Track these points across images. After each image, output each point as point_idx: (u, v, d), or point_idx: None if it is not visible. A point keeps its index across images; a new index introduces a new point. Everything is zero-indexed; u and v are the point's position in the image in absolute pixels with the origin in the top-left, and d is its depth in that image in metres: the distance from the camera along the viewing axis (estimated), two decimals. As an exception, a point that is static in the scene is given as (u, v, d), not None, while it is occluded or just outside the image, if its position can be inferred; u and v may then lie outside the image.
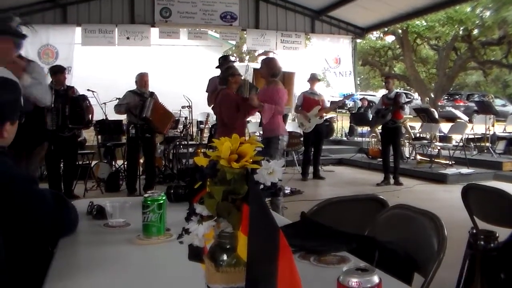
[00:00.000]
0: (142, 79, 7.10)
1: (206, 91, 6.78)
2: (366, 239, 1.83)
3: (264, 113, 5.14)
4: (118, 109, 7.01)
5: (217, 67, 6.56)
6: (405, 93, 13.19)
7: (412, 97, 20.60)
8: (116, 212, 1.91)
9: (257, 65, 15.76)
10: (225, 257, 1.00)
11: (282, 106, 5.27)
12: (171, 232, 1.74)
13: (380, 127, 8.90)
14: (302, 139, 9.27)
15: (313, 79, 8.75)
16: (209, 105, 7.01)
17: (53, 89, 6.38)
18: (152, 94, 7.02)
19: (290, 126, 11.27)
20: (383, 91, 8.78)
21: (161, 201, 1.72)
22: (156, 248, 1.66)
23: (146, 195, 1.73)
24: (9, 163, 1.59)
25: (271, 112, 5.13)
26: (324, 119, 9.40)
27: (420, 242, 1.86)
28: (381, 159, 9.00)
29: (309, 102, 8.59)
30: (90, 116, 6.75)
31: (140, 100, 6.81)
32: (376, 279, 0.91)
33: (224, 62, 6.52)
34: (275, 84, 5.29)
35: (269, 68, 5.39)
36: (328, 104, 9.00)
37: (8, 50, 3.39)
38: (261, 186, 0.98)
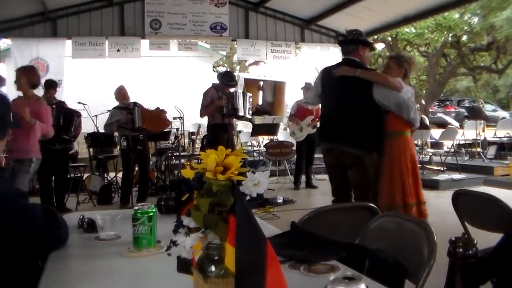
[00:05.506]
0: (121, 92, 7.14)
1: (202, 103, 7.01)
2: (356, 247, 1.84)
3: (36, 131, 4.79)
4: (109, 128, 7.04)
5: None
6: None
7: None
8: (107, 225, 1.91)
9: (248, 75, 15.80)
10: (213, 268, 1.01)
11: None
12: (161, 244, 1.74)
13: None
14: (294, 148, 9.27)
15: (307, 88, 8.74)
16: (201, 116, 7.19)
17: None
18: (135, 103, 7.03)
19: (282, 135, 11.29)
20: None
21: (151, 214, 1.72)
22: (146, 260, 1.66)
23: (136, 207, 1.73)
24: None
25: (42, 132, 4.84)
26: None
27: (410, 249, 1.87)
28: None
29: (302, 111, 8.59)
30: (76, 134, 6.87)
31: (127, 113, 6.80)
32: (363, 287, 0.92)
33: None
34: (40, 101, 5.08)
35: (29, 79, 5.05)
36: None
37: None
38: (247, 198, 0.99)
